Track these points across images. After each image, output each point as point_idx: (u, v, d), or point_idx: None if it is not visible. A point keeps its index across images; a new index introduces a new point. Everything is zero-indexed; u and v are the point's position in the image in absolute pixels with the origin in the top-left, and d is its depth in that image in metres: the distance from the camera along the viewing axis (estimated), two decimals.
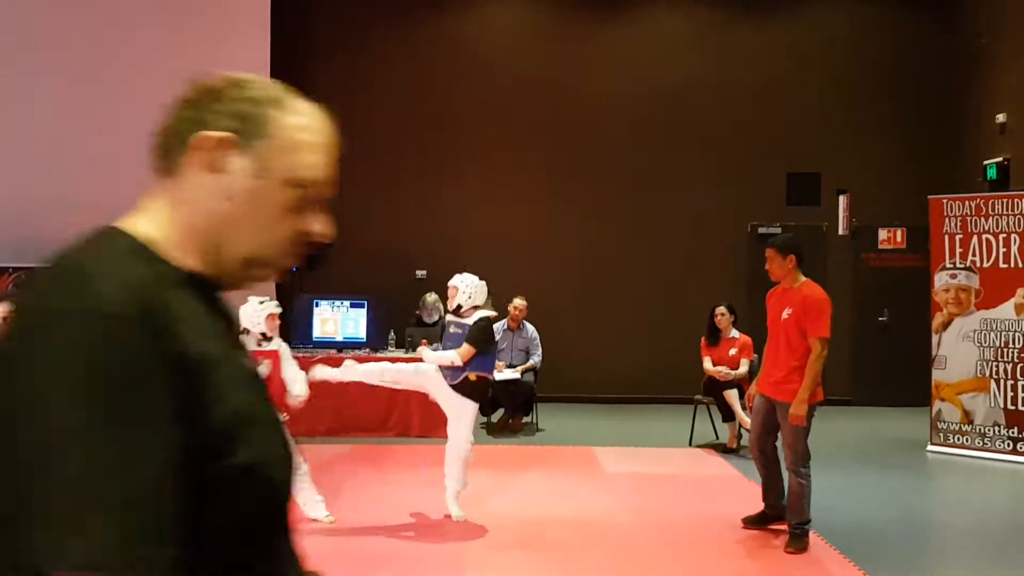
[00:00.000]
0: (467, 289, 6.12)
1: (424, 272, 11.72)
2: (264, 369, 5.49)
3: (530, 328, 9.97)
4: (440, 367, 5.98)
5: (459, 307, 6.11)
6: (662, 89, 11.93)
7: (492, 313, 6.23)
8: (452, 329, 6.17)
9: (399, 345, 9.88)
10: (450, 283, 6.23)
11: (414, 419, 9.29)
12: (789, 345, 5.71)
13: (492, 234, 11.85)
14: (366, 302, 9.90)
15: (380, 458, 8.25)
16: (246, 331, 5.62)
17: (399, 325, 9.99)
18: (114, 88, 10.56)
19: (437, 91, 11.99)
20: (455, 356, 5.88)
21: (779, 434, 5.77)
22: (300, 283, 11.28)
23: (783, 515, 5.81)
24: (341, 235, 9.80)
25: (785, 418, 5.57)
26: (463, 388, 5.94)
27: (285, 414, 5.56)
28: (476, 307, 6.13)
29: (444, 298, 10.55)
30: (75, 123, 10.53)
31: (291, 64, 11.55)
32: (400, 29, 11.97)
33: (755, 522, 6.04)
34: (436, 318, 10.22)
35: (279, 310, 5.89)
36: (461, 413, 5.98)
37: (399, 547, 5.55)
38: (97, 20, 10.47)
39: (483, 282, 6.23)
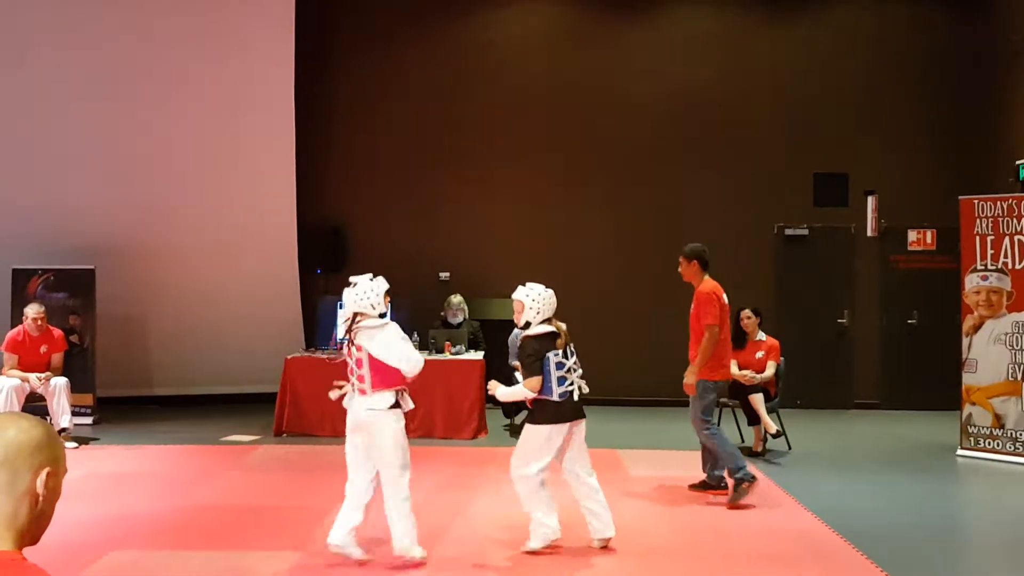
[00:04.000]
0: (534, 304, 5.57)
1: (448, 274, 11.73)
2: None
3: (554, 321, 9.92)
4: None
5: (527, 324, 5.57)
6: (687, 91, 11.87)
7: (549, 328, 5.56)
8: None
9: (423, 347, 9.87)
10: (514, 296, 5.65)
11: (437, 421, 9.30)
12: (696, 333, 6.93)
13: (515, 236, 11.83)
14: (390, 304, 9.89)
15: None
16: (359, 315, 5.31)
17: (423, 327, 9.99)
18: (138, 93, 10.65)
19: (460, 93, 11.98)
20: (523, 389, 5.48)
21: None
22: (324, 285, 11.32)
23: (718, 485, 6.96)
24: (365, 237, 9.89)
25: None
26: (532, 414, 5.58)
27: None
28: (548, 320, 5.61)
29: (469, 300, 10.67)
30: (101, 128, 10.62)
31: (315, 69, 11.61)
32: (423, 32, 11.98)
33: (697, 487, 7.12)
34: (461, 319, 10.23)
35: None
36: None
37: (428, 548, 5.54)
38: (120, 26, 10.55)
39: (551, 291, 5.66)
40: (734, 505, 6.61)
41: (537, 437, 5.49)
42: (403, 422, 5.28)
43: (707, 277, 6.98)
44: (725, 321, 6.95)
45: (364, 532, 5.34)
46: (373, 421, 5.21)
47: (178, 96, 10.76)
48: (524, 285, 5.69)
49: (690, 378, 6.82)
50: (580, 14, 12.11)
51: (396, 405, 5.25)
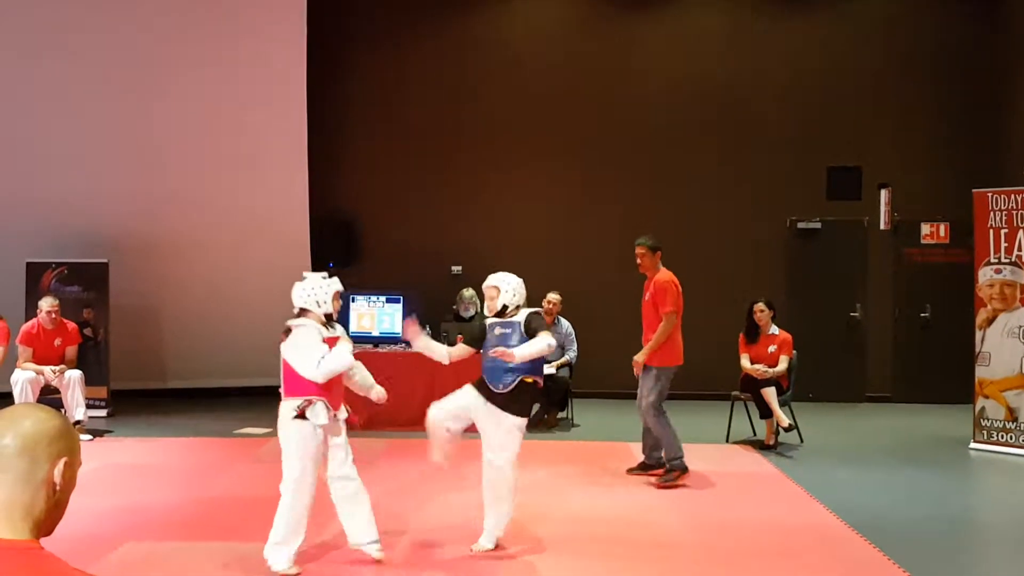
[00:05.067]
0: (510, 288, 5.55)
1: (460, 268, 11.73)
2: (347, 351, 4.99)
3: (565, 323, 9.95)
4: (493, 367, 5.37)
5: (504, 308, 5.53)
6: (698, 85, 11.83)
7: (539, 308, 5.75)
8: (498, 330, 5.50)
9: (435, 340, 9.89)
10: (487, 283, 5.62)
11: None
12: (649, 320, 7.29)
13: (527, 229, 11.83)
14: (402, 297, 9.93)
15: (416, 452, 8.26)
16: (302, 311, 5.07)
17: (435, 320, 10.01)
18: (151, 88, 10.68)
19: (472, 87, 11.98)
20: (544, 345, 5.27)
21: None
22: (337, 278, 11.34)
23: (657, 464, 7.31)
24: (378, 231, 9.91)
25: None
26: (519, 393, 5.36)
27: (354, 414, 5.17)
28: (519, 307, 5.59)
29: (481, 296, 10.66)
30: (114, 122, 10.66)
31: (328, 63, 11.62)
32: (435, 27, 11.98)
33: (636, 470, 7.48)
34: (472, 313, 10.23)
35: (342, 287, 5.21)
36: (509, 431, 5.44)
37: (436, 541, 5.56)
38: (133, 20, 10.57)
39: (522, 279, 5.68)
40: (662, 485, 7.00)
41: (519, 436, 5.46)
42: (304, 433, 4.90)
43: (662, 267, 7.33)
44: (681, 309, 7.27)
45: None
46: (280, 427, 4.99)
47: (191, 90, 10.79)
48: (498, 273, 5.70)
49: (640, 357, 7.18)
50: (591, 7, 12.08)
51: (301, 416, 4.89)
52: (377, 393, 5.40)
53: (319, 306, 5.06)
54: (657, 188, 11.85)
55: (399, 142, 11.96)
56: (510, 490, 5.44)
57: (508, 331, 5.45)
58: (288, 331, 5.03)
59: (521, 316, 5.51)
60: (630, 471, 7.50)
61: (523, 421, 5.44)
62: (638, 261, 7.35)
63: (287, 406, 4.96)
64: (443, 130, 11.95)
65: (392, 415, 9.05)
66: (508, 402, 5.35)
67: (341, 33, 11.92)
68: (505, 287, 5.55)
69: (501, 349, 5.29)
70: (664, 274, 7.27)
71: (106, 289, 10.41)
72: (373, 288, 10.25)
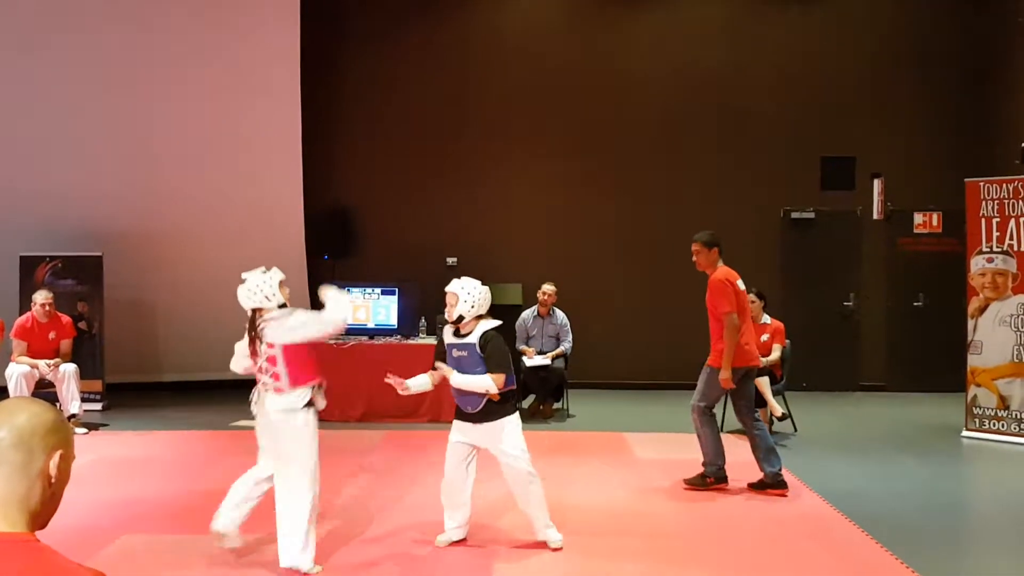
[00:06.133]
0: (470, 297, 5.25)
1: (455, 259, 11.75)
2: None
3: (560, 314, 9.97)
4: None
5: (460, 318, 5.26)
6: (694, 74, 11.84)
7: (497, 322, 5.34)
8: (456, 353, 5.28)
9: (430, 332, 9.93)
10: (448, 288, 5.33)
11: (445, 406, 9.32)
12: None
13: (522, 220, 11.85)
14: (397, 289, 9.94)
15: (413, 443, 8.31)
16: (258, 311, 4.97)
17: (430, 312, 10.02)
18: (146, 80, 10.65)
19: (467, 79, 11.98)
20: (491, 385, 5.12)
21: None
22: (332, 270, 11.35)
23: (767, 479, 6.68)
24: (373, 223, 9.90)
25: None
26: (493, 404, 5.22)
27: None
28: (480, 317, 5.31)
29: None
30: (108, 115, 10.63)
31: (322, 55, 11.61)
32: (431, 18, 11.96)
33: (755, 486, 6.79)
34: None
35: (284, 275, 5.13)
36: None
37: (433, 530, 5.58)
38: (127, 14, 10.54)
39: (487, 288, 5.38)
40: (691, 487, 6.77)
41: (519, 426, 5.36)
42: (316, 423, 4.94)
43: (721, 264, 6.80)
44: (744, 308, 6.72)
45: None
46: (284, 421, 4.88)
47: (185, 82, 10.77)
48: (459, 279, 5.39)
49: (725, 373, 6.56)
50: (588, 0, 12.08)
51: (311, 403, 4.91)
52: None
53: (269, 300, 4.96)
54: (651, 178, 11.87)
55: (394, 135, 11.95)
56: (541, 501, 5.37)
57: (464, 354, 5.25)
58: (255, 334, 4.95)
59: (478, 332, 5.24)
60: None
61: (513, 417, 5.33)
62: (694, 259, 6.83)
63: (294, 397, 4.87)
64: (438, 123, 11.95)
65: (388, 407, 9.09)
66: (486, 414, 5.24)
67: (335, 27, 11.89)
68: (464, 295, 5.26)
69: (442, 368, 5.28)
70: (720, 271, 6.73)
71: (100, 282, 10.40)
72: (368, 280, 10.26)
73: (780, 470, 6.62)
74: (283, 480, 4.91)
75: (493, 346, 5.19)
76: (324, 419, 9.16)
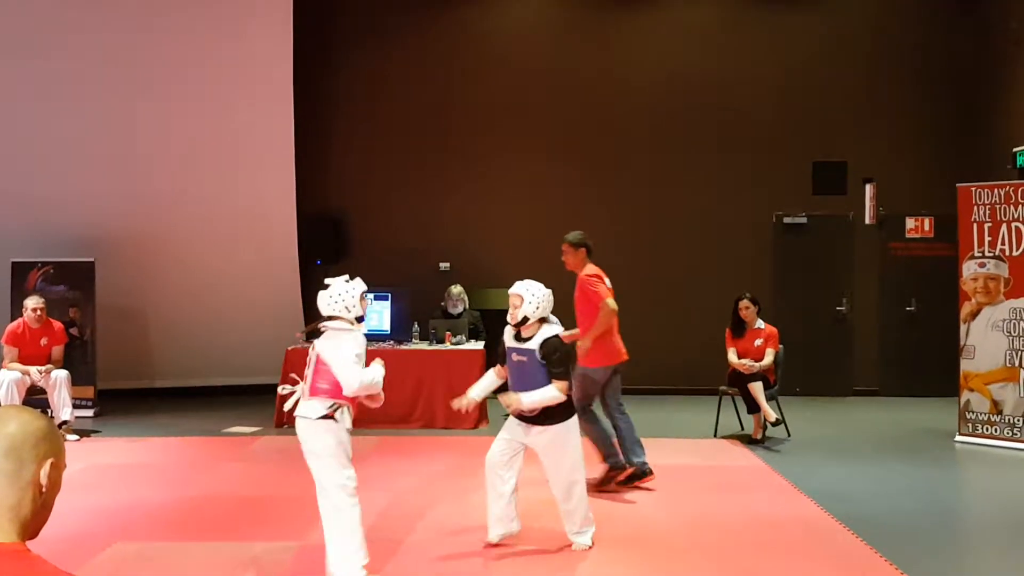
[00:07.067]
0: (534, 299, 5.22)
1: (448, 264, 11.74)
2: (379, 370, 4.89)
3: (553, 319, 9.92)
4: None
5: (524, 319, 5.22)
6: (686, 79, 11.86)
7: (558, 328, 5.31)
8: (515, 358, 5.27)
9: (423, 337, 9.91)
10: (512, 290, 5.28)
11: (438, 412, 9.32)
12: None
13: (515, 226, 11.83)
14: (389, 295, 9.92)
15: (406, 449, 8.29)
16: (330, 318, 4.90)
17: (423, 317, 10.02)
18: (138, 85, 10.63)
19: (459, 83, 11.97)
20: (557, 395, 5.09)
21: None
22: (324, 276, 11.32)
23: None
24: (365, 228, 9.87)
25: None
26: (551, 407, 5.18)
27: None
28: (543, 320, 5.30)
29: (469, 290, 10.67)
30: (100, 120, 10.61)
31: (314, 60, 11.60)
32: (422, 23, 11.96)
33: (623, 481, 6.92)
34: (461, 309, 10.24)
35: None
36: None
37: (428, 537, 5.57)
38: (119, 18, 10.52)
39: (550, 290, 5.35)
40: (603, 490, 6.67)
41: (578, 435, 5.33)
42: (340, 435, 4.77)
43: (590, 264, 6.97)
44: (614, 308, 6.89)
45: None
46: (305, 428, 4.80)
47: (177, 87, 10.75)
48: (523, 280, 5.35)
49: (586, 343, 6.81)
50: (580, 4, 12.08)
51: (329, 417, 4.75)
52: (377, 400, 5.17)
53: (349, 311, 4.90)
54: (644, 183, 11.87)
55: (386, 139, 11.94)
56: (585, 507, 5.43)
57: (524, 359, 5.24)
58: (317, 331, 4.93)
59: (540, 337, 5.22)
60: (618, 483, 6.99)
61: (572, 421, 5.29)
62: (563, 258, 7.04)
63: (313, 407, 4.78)
64: (430, 127, 11.94)
65: (382, 413, 9.04)
66: (545, 416, 5.20)
67: (327, 30, 11.89)
68: (529, 297, 5.23)
69: (513, 402, 5.18)
70: (590, 269, 6.99)
71: (92, 288, 10.37)
72: None
73: (645, 460, 6.84)
74: (318, 487, 4.84)
75: (554, 356, 5.18)
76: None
